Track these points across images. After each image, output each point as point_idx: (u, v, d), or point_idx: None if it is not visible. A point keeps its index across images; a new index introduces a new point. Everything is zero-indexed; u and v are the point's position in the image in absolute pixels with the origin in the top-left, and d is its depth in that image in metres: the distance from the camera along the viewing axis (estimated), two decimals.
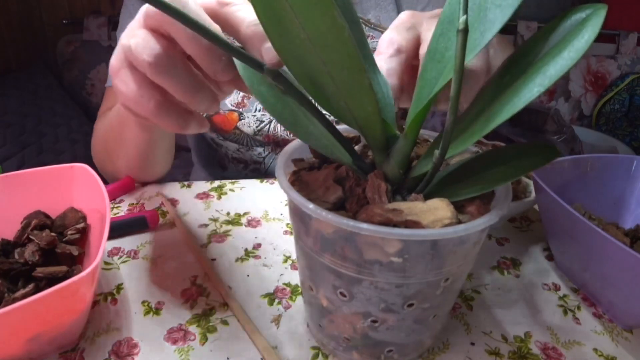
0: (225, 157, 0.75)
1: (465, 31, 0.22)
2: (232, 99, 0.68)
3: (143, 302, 0.39)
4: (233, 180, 0.59)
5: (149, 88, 0.31)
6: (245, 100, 0.68)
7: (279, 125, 0.69)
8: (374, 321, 0.29)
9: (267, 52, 0.28)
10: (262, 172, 0.74)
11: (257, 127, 0.68)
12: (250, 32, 0.29)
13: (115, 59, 0.33)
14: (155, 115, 0.31)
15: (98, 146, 0.63)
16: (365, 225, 0.24)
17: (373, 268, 0.26)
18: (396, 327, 0.30)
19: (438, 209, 0.25)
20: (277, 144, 0.71)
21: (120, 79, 0.32)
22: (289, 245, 0.47)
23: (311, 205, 0.26)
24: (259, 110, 0.68)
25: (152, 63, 0.29)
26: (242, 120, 0.68)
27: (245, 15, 0.29)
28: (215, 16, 0.30)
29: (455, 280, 0.29)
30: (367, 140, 0.29)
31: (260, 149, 0.72)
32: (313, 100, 0.27)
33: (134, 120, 0.44)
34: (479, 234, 0.28)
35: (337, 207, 0.28)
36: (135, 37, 0.30)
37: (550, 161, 0.25)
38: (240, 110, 0.68)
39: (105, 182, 0.41)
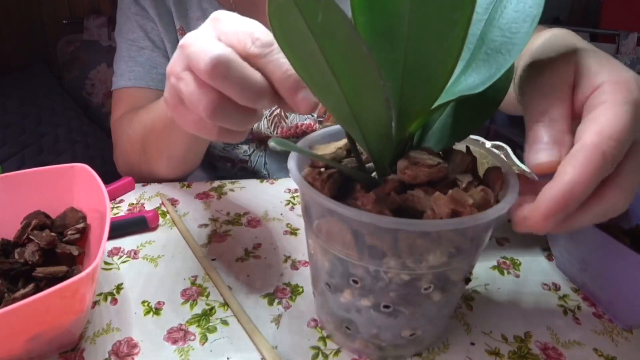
0: (212, 156, 0.75)
1: None
2: None
3: (143, 302, 0.39)
4: (233, 180, 0.59)
5: (208, 91, 0.30)
6: None
7: (262, 122, 0.69)
8: (387, 306, 0.30)
9: (302, 102, 0.29)
10: (250, 170, 0.74)
11: None
12: (284, 85, 0.29)
13: (176, 65, 0.32)
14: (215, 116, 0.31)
15: (130, 150, 0.62)
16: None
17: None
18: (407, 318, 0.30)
19: None
20: (261, 140, 0.71)
21: (183, 83, 0.31)
22: (289, 245, 0.47)
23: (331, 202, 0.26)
24: None
25: (209, 71, 0.29)
26: None
27: (275, 67, 0.29)
28: (248, 59, 0.30)
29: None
30: (371, 154, 0.29)
31: (245, 147, 0.72)
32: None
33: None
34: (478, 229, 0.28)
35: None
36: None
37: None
38: None
39: (106, 182, 0.41)
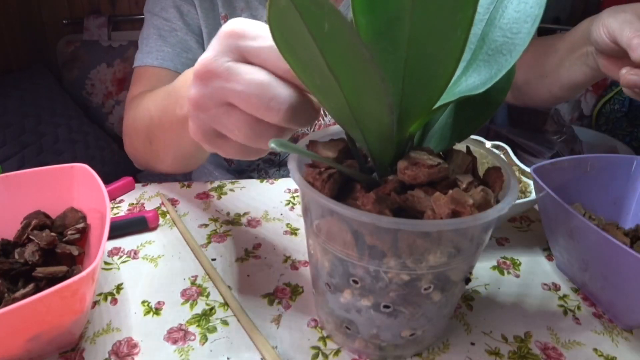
0: None
1: None
2: None
3: (143, 302, 0.39)
4: (233, 180, 0.59)
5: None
6: None
7: None
8: (387, 306, 0.29)
9: None
10: (276, 162, 0.74)
11: None
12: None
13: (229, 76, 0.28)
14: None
15: (135, 138, 0.58)
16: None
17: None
18: (410, 317, 0.30)
19: None
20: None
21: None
22: (289, 245, 0.47)
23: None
24: None
25: (283, 118, 0.28)
26: None
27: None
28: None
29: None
30: (372, 155, 0.29)
31: None
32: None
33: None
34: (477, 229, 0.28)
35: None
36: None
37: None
38: None
39: (106, 182, 0.41)
